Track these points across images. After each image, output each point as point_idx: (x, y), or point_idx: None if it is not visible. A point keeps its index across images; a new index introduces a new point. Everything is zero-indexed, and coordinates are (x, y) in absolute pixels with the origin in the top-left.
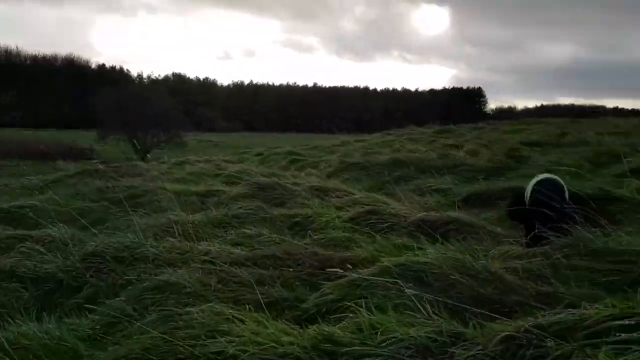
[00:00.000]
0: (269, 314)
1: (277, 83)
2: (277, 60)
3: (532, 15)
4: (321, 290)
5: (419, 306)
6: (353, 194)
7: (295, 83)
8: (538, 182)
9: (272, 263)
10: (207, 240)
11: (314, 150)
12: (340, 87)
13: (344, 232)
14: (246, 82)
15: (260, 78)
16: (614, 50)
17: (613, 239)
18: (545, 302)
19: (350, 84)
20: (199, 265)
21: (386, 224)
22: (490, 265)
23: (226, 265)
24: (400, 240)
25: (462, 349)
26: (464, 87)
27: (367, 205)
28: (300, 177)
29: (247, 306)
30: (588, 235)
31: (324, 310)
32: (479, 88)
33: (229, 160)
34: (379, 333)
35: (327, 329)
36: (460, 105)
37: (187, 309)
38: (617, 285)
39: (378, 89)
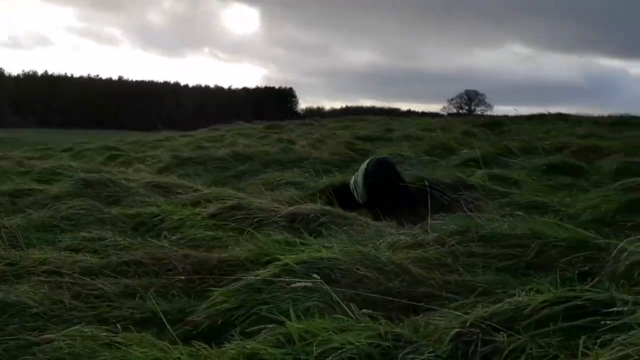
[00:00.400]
0: (154, 334)
1: (76, 75)
2: (75, 51)
3: (337, 21)
4: (211, 299)
5: (346, 308)
6: (199, 190)
7: (97, 76)
8: (372, 163)
9: (135, 271)
10: (36, 247)
11: (134, 146)
12: (149, 81)
13: (205, 230)
14: (40, 72)
15: (56, 69)
16: (408, 58)
17: (498, 224)
18: (455, 291)
19: (160, 79)
20: (42, 279)
21: (255, 220)
22: (392, 257)
23: (77, 276)
24: (280, 236)
25: (412, 354)
26: (276, 86)
27: (223, 200)
28: (129, 173)
29: (118, 325)
30: (477, 220)
31: (220, 322)
32: (291, 88)
33: (32, 157)
34: (313, 344)
35: (248, 346)
36: (273, 104)
37: (46, 335)
38: (518, 269)
39: (190, 85)
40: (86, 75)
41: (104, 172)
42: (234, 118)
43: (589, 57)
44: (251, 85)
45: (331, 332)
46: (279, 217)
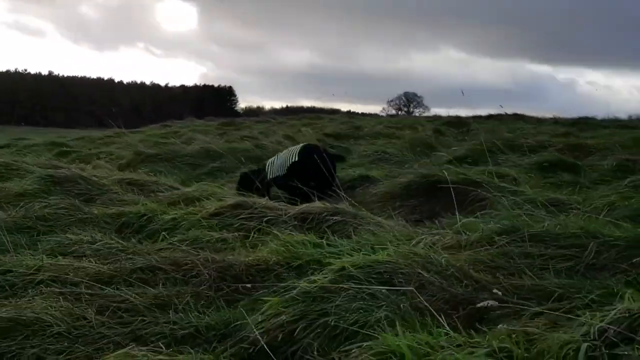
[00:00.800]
0: (206, 352)
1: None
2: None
3: (275, 21)
4: (263, 310)
5: (434, 318)
6: (178, 188)
7: (26, 70)
8: (302, 149)
9: (155, 278)
10: (11, 252)
11: (82, 142)
12: (81, 77)
13: (208, 231)
14: None
15: None
16: (346, 59)
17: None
18: (525, 297)
19: (92, 74)
20: (55, 289)
21: (264, 220)
22: (451, 259)
23: (96, 286)
24: (307, 237)
25: None
26: (215, 85)
27: (207, 198)
28: (89, 170)
29: (160, 344)
30: (524, 219)
31: (281, 338)
32: (230, 87)
33: None
34: None
35: None
36: (212, 102)
37: None
38: (578, 271)
39: (125, 82)
40: (13, 69)
41: (69, 169)
42: (172, 117)
43: (518, 62)
44: (188, 82)
45: (444, 349)
46: (287, 217)
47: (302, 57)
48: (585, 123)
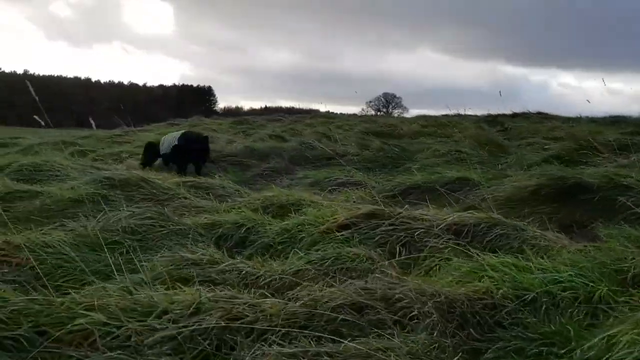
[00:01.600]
0: None
1: None
2: None
3: (253, 20)
4: None
5: None
6: (246, 192)
7: (1, 69)
8: (182, 135)
9: (363, 320)
10: (115, 277)
11: (91, 141)
12: (58, 76)
13: (343, 246)
14: None
15: None
16: (323, 60)
17: None
18: None
19: (68, 73)
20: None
21: (417, 233)
22: None
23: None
24: (500, 258)
25: None
26: (194, 84)
27: (297, 204)
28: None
29: None
30: None
31: None
32: (209, 87)
33: None
34: None
35: None
36: (191, 102)
37: None
38: None
39: (102, 81)
40: None
41: (129, 170)
42: (151, 117)
43: (494, 64)
44: (167, 82)
45: None
46: (439, 229)
47: (280, 57)
48: (624, 122)
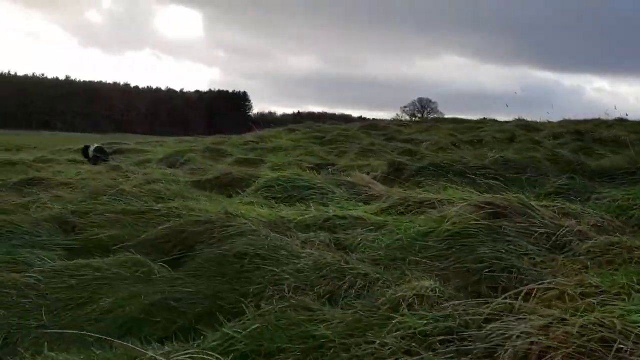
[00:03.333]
0: None
1: (19, 73)
2: (13, 49)
3: (280, 27)
4: None
5: None
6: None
7: (44, 75)
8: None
9: None
10: None
11: (227, 147)
12: (98, 82)
13: None
14: None
15: None
16: (352, 66)
17: None
18: None
19: (106, 79)
20: None
21: None
22: None
23: None
24: None
25: None
26: (230, 90)
27: None
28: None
29: None
30: None
31: None
32: (245, 93)
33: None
34: None
35: None
36: (226, 108)
37: None
38: None
39: (140, 87)
40: (30, 74)
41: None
42: (188, 122)
43: (525, 70)
44: (201, 88)
45: None
46: None
47: (306, 63)
48: None
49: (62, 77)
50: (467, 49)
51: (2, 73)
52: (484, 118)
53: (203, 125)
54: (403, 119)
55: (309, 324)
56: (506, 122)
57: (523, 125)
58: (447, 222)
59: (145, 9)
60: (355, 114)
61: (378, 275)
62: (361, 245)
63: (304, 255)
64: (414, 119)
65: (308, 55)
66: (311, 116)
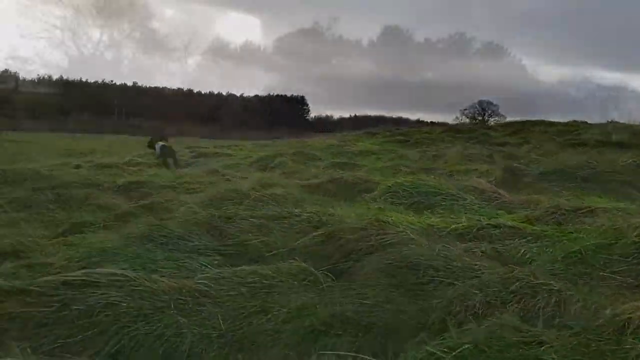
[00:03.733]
0: None
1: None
2: (80, 56)
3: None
4: None
5: None
6: None
7: (112, 81)
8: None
9: None
10: None
11: (318, 152)
12: (163, 87)
13: None
14: (55, 76)
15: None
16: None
17: None
18: None
19: (169, 84)
20: None
21: None
22: None
23: None
24: None
25: None
26: (288, 94)
27: None
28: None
29: None
30: None
31: None
32: (302, 96)
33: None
34: None
35: None
36: (285, 112)
37: None
38: None
39: (202, 92)
40: (100, 80)
41: None
42: (248, 126)
43: (588, 70)
44: (262, 92)
45: None
46: None
47: (360, 66)
48: None
49: (129, 83)
50: (528, 50)
51: (76, 80)
52: (574, 120)
53: (262, 128)
54: (462, 121)
55: (525, 346)
56: (600, 124)
57: (621, 128)
58: (634, 233)
59: (205, 15)
60: (413, 116)
61: (571, 292)
62: (527, 257)
63: (477, 266)
64: (474, 121)
65: (361, 58)
66: (368, 119)
